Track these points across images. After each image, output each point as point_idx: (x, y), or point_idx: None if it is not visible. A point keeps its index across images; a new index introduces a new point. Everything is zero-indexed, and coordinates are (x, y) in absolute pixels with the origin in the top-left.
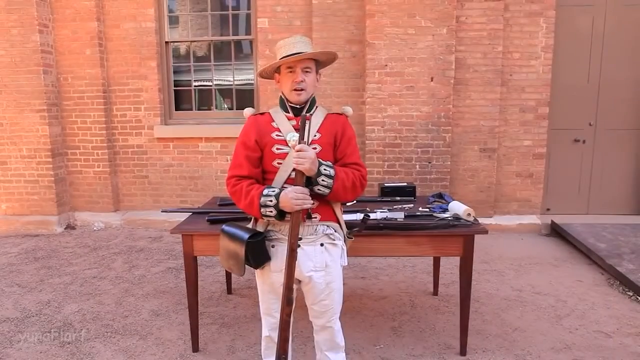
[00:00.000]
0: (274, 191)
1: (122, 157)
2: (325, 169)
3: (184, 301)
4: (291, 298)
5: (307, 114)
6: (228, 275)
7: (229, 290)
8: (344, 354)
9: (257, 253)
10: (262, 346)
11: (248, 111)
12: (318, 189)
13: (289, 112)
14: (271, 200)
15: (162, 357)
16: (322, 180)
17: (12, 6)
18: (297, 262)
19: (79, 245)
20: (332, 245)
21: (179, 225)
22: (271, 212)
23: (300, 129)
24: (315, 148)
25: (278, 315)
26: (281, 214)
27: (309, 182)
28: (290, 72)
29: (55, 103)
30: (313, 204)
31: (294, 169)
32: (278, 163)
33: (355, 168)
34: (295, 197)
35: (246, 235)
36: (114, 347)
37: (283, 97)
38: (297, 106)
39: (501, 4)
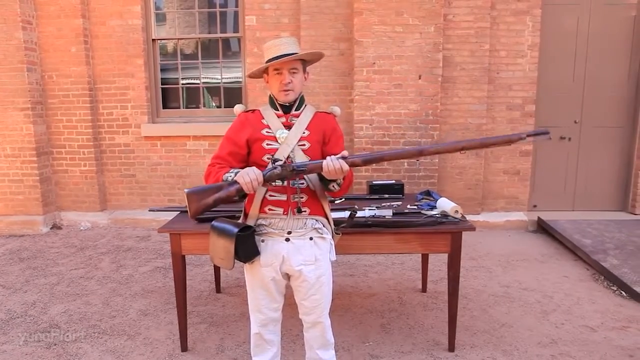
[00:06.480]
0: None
1: (109, 155)
2: None
3: (173, 300)
4: None
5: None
6: (217, 274)
7: (218, 289)
8: (334, 351)
9: (246, 247)
10: (252, 344)
11: (239, 108)
12: (332, 186)
13: (278, 110)
14: (231, 175)
15: (150, 357)
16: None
17: None
18: (287, 255)
19: (65, 245)
20: (321, 239)
21: (166, 224)
22: (230, 176)
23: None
24: (303, 145)
25: (267, 312)
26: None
27: (325, 179)
28: (278, 73)
29: (40, 101)
30: (302, 198)
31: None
32: (267, 158)
33: None
34: (248, 175)
35: (235, 229)
36: (101, 347)
37: (272, 96)
38: (286, 104)
39: (488, 2)
